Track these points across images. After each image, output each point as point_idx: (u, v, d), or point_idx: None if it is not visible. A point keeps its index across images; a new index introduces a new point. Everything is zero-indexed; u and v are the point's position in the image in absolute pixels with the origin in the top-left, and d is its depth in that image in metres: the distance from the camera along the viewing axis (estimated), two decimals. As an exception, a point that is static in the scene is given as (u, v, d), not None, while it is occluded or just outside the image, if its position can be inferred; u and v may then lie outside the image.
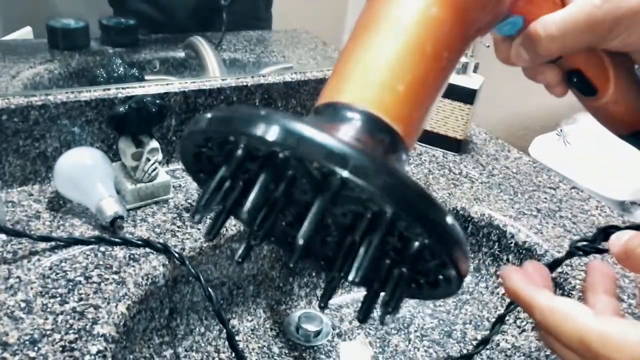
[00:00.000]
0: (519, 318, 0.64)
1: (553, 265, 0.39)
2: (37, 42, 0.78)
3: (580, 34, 0.31)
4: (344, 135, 0.26)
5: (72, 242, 0.53)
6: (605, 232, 0.35)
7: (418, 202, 0.25)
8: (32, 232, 0.54)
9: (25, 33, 0.78)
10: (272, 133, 0.24)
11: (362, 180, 0.24)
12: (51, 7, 0.79)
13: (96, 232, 0.56)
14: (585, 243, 0.37)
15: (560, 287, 0.60)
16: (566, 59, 0.34)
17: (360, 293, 0.70)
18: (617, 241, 0.30)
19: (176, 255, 0.53)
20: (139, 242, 0.54)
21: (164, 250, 0.54)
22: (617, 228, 0.33)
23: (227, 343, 0.60)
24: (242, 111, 0.26)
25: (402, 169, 0.29)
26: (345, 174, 0.24)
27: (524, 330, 0.63)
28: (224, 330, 0.60)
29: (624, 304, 0.56)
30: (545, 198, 0.74)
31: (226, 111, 0.27)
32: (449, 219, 0.25)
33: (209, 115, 0.27)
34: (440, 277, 0.29)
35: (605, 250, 0.35)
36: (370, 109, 0.27)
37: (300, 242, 0.25)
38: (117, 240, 0.54)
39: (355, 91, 0.28)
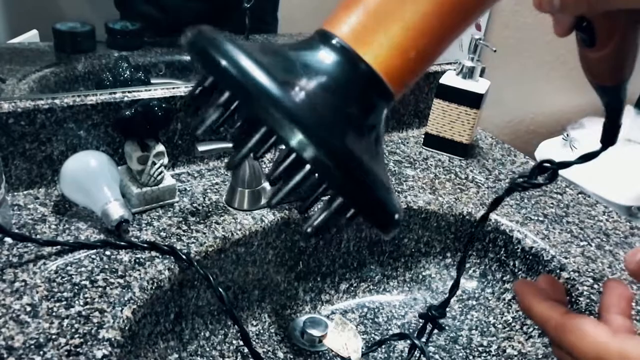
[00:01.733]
0: (526, 324, 0.64)
1: (492, 206, 0.39)
2: (44, 45, 0.78)
3: None
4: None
5: (77, 246, 0.53)
6: (540, 167, 0.35)
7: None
8: (37, 236, 0.54)
9: (31, 36, 0.78)
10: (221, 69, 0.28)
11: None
12: (58, 10, 0.79)
13: (102, 236, 0.56)
14: (523, 179, 0.36)
15: (567, 293, 0.60)
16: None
17: (365, 298, 0.70)
18: (632, 257, 0.30)
19: (183, 257, 0.53)
20: (145, 245, 0.54)
21: (171, 252, 0.54)
22: (551, 162, 0.34)
23: (231, 347, 0.60)
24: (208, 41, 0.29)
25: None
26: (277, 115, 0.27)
27: (530, 337, 0.63)
28: (229, 335, 0.60)
29: None
30: (552, 203, 0.74)
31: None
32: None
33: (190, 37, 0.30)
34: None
35: (540, 185, 0.35)
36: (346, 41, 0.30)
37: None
38: (122, 243, 0.54)
39: (345, 25, 0.30)
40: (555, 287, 0.34)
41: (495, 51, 0.79)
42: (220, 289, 0.51)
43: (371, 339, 0.65)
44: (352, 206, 0.29)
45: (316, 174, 0.28)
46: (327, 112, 0.28)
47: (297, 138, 0.27)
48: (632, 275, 0.30)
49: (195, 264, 0.53)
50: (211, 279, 0.52)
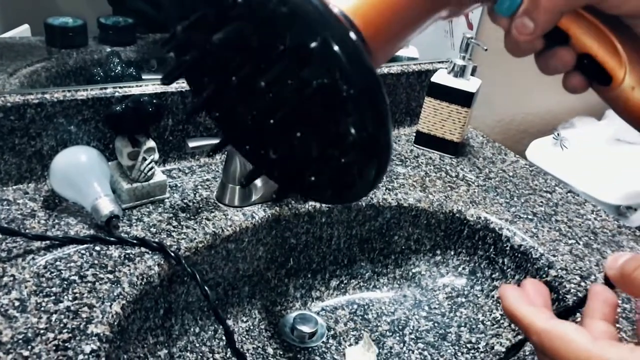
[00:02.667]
0: (514, 321, 0.64)
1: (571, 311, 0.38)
2: (35, 40, 0.77)
3: None
4: None
5: (67, 241, 0.53)
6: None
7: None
8: (27, 231, 0.54)
9: (22, 31, 0.78)
10: None
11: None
12: (51, 4, 0.78)
13: (91, 232, 0.56)
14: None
15: (555, 290, 0.60)
16: (575, 41, 0.33)
17: (355, 295, 0.70)
18: (613, 263, 0.29)
19: (172, 254, 0.53)
20: (135, 242, 0.54)
21: (160, 249, 0.54)
22: None
23: (221, 343, 0.60)
24: None
25: None
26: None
27: (518, 334, 0.63)
28: (219, 330, 0.60)
29: (628, 327, 0.56)
30: (542, 202, 0.74)
31: None
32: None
33: None
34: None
35: None
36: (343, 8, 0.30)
37: (215, 40, 0.28)
38: (112, 239, 0.54)
39: None
40: (539, 291, 0.34)
41: (486, 50, 0.80)
42: (207, 288, 0.51)
43: (361, 335, 0.65)
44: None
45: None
46: None
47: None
48: (614, 283, 0.29)
49: (183, 261, 0.53)
50: (198, 277, 0.52)
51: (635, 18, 0.32)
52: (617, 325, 0.51)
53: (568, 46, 0.33)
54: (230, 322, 0.62)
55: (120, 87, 0.63)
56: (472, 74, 0.81)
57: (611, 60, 0.32)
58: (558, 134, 1.21)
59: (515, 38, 0.33)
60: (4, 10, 0.77)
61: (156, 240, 0.56)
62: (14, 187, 0.60)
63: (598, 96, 0.35)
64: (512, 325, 0.64)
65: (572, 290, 0.59)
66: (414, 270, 0.73)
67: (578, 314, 0.35)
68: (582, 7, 0.32)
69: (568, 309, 0.38)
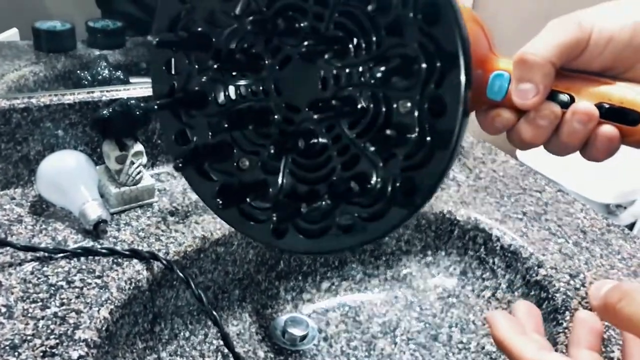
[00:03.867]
0: (505, 321, 0.64)
1: None
2: (23, 44, 0.77)
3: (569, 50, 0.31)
4: None
5: (56, 252, 0.52)
6: None
7: None
8: (15, 238, 0.54)
9: (11, 35, 0.77)
10: None
11: None
12: (41, 8, 0.78)
13: (79, 237, 0.55)
14: None
15: (544, 289, 0.61)
16: (582, 95, 0.32)
17: (346, 297, 0.70)
18: (596, 292, 0.28)
19: (164, 262, 0.52)
20: (127, 252, 0.53)
21: (152, 258, 0.53)
22: None
23: (212, 347, 0.59)
24: None
25: None
26: None
27: (509, 333, 0.63)
28: (210, 335, 0.60)
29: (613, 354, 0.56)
30: (531, 201, 0.74)
31: None
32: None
33: None
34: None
35: None
36: None
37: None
38: (103, 251, 0.53)
39: None
40: (531, 313, 0.33)
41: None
42: (201, 291, 0.51)
43: (352, 337, 0.65)
44: None
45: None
46: None
47: None
48: (598, 314, 0.28)
49: (177, 269, 0.52)
50: (191, 282, 0.52)
51: (612, 71, 0.32)
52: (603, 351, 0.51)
53: (582, 103, 0.32)
54: (220, 326, 0.62)
55: (107, 91, 0.63)
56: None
57: (627, 96, 0.31)
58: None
59: (521, 106, 0.32)
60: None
61: (145, 245, 0.55)
62: (1, 192, 0.60)
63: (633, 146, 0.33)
64: (503, 325, 0.64)
65: (561, 289, 0.59)
66: (404, 272, 0.73)
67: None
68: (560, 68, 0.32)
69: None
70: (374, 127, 0.30)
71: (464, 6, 0.31)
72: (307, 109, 0.30)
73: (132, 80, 0.70)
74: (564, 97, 0.32)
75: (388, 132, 0.30)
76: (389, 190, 0.30)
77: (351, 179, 0.30)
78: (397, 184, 0.30)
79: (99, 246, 0.54)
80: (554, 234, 0.68)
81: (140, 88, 0.65)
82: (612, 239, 0.68)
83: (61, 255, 0.52)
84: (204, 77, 0.34)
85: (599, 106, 0.31)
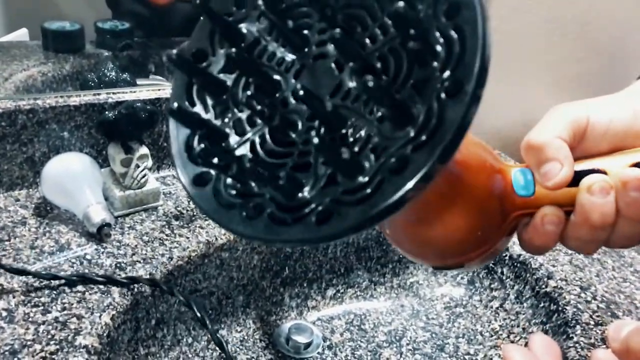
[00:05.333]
0: (513, 333, 0.63)
1: None
2: (32, 44, 0.77)
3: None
4: None
5: (49, 277, 0.49)
6: None
7: None
8: (18, 240, 0.53)
9: (21, 35, 0.77)
10: None
11: None
12: (50, 8, 0.78)
13: (83, 240, 0.55)
14: None
15: (554, 302, 0.59)
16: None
17: (351, 304, 0.69)
18: (615, 334, 0.27)
19: (164, 288, 0.51)
20: (125, 281, 0.50)
21: (152, 285, 0.51)
22: None
23: (215, 354, 0.59)
24: None
25: None
26: None
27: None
28: (212, 341, 0.60)
29: None
30: (542, 210, 0.73)
31: None
32: None
33: None
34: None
35: None
36: None
37: None
38: (99, 279, 0.50)
39: None
40: (548, 348, 0.31)
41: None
42: (203, 314, 0.50)
43: (357, 346, 0.64)
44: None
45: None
46: None
47: None
48: (617, 356, 0.27)
49: (177, 293, 0.51)
50: (193, 305, 0.50)
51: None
52: None
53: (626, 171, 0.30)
54: (223, 332, 0.61)
55: (113, 93, 0.62)
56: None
57: None
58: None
59: (554, 186, 0.29)
60: (5, 13, 0.76)
61: (150, 252, 0.55)
62: (5, 194, 0.60)
63: None
64: (511, 337, 0.63)
65: (572, 302, 0.58)
66: (411, 280, 0.71)
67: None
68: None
69: None
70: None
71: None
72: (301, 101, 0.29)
73: (138, 82, 0.70)
74: (596, 177, 0.29)
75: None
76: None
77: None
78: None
79: (95, 273, 0.51)
80: (564, 244, 0.66)
81: (146, 90, 0.65)
82: (625, 250, 0.67)
83: (55, 283, 0.49)
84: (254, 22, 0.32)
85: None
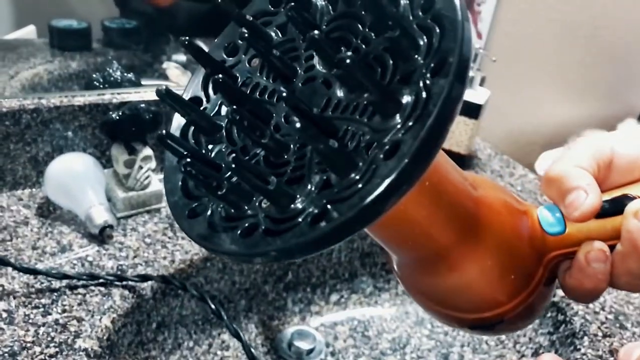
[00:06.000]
0: (519, 343, 0.62)
1: None
2: (39, 42, 0.77)
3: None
4: None
5: (59, 277, 0.49)
6: None
7: None
8: (20, 240, 0.53)
9: (28, 32, 0.77)
10: None
11: None
12: (59, 6, 0.77)
13: (85, 241, 0.54)
14: None
15: (562, 312, 0.58)
16: None
17: (355, 310, 0.68)
18: (625, 358, 0.26)
19: (177, 284, 0.50)
20: (136, 279, 0.50)
21: (164, 282, 0.51)
22: None
23: (215, 358, 0.58)
24: None
25: None
26: None
27: (523, 356, 0.61)
28: (214, 344, 0.59)
29: None
30: (550, 218, 0.72)
31: None
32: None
33: None
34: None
35: None
36: None
37: None
38: (109, 277, 0.50)
39: None
40: None
41: (494, 61, 0.78)
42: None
43: (361, 353, 0.63)
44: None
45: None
46: None
47: None
48: None
49: (191, 288, 0.51)
50: (208, 299, 0.50)
51: None
52: None
53: None
54: (225, 337, 0.61)
55: (118, 93, 0.62)
56: (481, 85, 0.79)
57: None
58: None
59: (582, 216, 0.27)
60: (13, 10, 0.76)
61: (152, 255, 0.54)
62: (9, 193, 0.59)
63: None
64: (517, 347, 0.62)
65: (579, 313, 0.57)
66: (416, 286, 0.71)
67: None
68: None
69: None
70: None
71: (485, 179, 0.30)
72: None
73: (143, 82, 0.69)
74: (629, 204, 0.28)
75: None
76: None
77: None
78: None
79: (104, 273, 0.50)
80: (573, 253, 0.65)
81: (151, 91, 0.64)
82: (634, 260, 0.65)
83: (56, 285, 0.49)
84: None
85: None
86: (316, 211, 0.24)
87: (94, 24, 0.76)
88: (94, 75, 0.64)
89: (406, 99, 0.24)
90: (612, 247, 0.28)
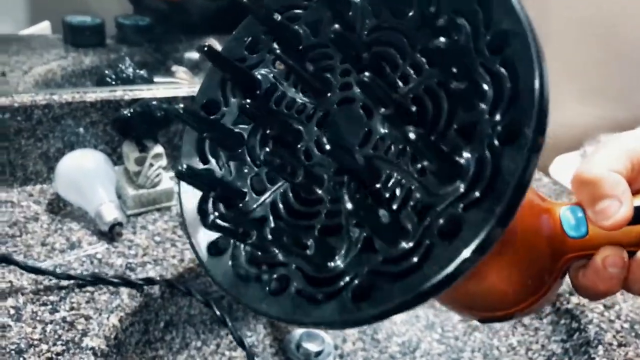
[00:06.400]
0: (531, 349, 0.61)
1: None
2: (53, 37, 0.77)
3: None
4: None
5: (63, 277, 0.48)
6: None
7: None
8: (30, 236, 0.53)
9: (43, 28, 0.77)
10: None
11: None
12: (73, 2, 0.77)
13: (94, 238, 0.54)
14: None
15: (576, 319, 0.57)
16: None
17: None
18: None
19: (182, 289, 0.50)
20: (140, 282, 0.49)
21: (169, 286, 0.51)
22: None
23: (223, 359, 0.58)
24: None
25: None
26: None
27: (535, 363, 0.60)
28: (221, 345, 0.59)
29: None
30: (565, 223, 0.71)
31: None
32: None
33: None
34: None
35: None
36: None
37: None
38: (114, 280, 0.49)
39: None
40: None
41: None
42: (224, 313, 0.49)
43: (370, 356, 0.62)
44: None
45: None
46: None
47: None
48: None
49: (196, 293, 0.50)
50: (213, 305, 0.50)
51: None
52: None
53: None
54: (232, 337, 0.60)
55: (130, 90, 0.62)
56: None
57: None
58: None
59: (612, 226, 0.26)
60: (29, 5, 0.76)
61: (162, 253, 0.54)
62: (19, 188, 0.59)
63: None
64: (529, 354, 0.61)
65: (594, 321, 0.56)
66: (427, 289, 0.70)
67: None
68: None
69: None
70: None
71: None
72: (327, 154, 0.26)
73: (155, 80, 0.69)
74: None
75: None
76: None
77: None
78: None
79: (105, 273, 0.50)
80: (588, 259, 0.64)
81: (163, 89, 0.64)
82: (652, 268, 0.64)
83: (70, 281, 0.48)
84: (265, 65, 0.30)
85: None
86: (359, 282, 0.21)
87: (108, 20, 0.76)
88: (107, 72, 0.64)
89: (465, 157, 0.21)
90: (630, 253, 0.27)
